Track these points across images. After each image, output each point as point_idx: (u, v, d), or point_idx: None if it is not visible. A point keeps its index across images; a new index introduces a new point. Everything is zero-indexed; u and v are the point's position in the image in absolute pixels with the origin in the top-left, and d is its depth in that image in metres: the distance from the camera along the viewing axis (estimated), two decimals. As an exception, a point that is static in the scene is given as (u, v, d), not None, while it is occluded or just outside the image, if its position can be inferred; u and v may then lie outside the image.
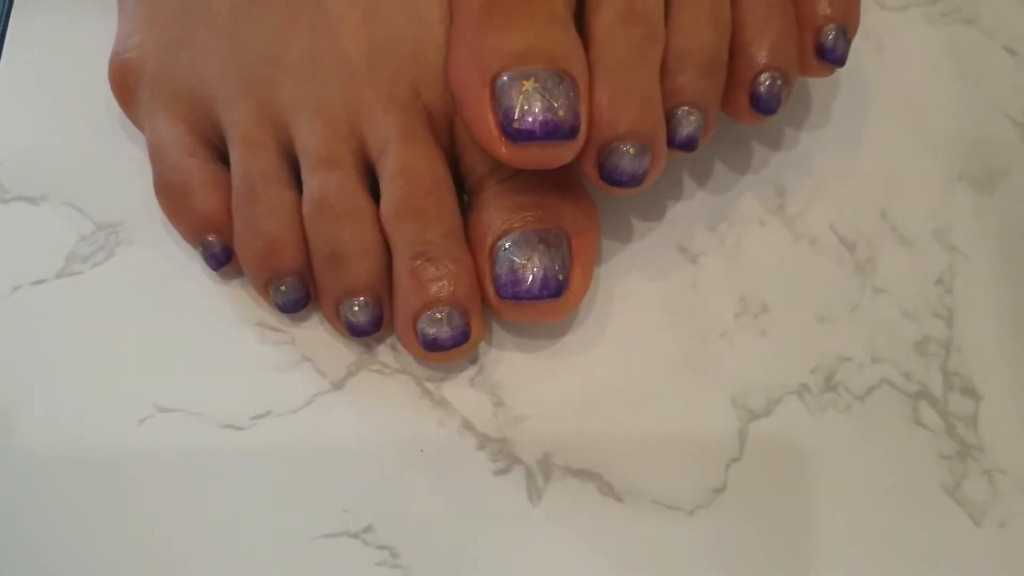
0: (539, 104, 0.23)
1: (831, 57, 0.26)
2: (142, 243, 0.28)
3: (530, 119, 0.23)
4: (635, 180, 0.24)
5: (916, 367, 0.27)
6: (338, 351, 0.27)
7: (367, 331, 0.26)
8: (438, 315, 0.25)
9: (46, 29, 0.32)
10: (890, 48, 0.32)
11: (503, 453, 0.26)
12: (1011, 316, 0.27)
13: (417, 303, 0.25)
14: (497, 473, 0.25)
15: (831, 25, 0.26)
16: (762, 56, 0.26)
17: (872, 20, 0.32)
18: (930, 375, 0.27)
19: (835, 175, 0.29)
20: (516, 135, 0.23)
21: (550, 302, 0.25)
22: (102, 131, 0.30)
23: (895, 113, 0.30)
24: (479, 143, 0.24)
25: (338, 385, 0.26)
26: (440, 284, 0.25)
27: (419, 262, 0.25)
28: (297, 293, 0.26)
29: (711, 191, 0.29)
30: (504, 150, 0.23)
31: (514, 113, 0.23)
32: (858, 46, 0.31)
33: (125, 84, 0.28)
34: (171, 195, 0.27)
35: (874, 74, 0.31)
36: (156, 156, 0.27)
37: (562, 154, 0.23)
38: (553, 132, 0.23)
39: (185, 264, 0.28)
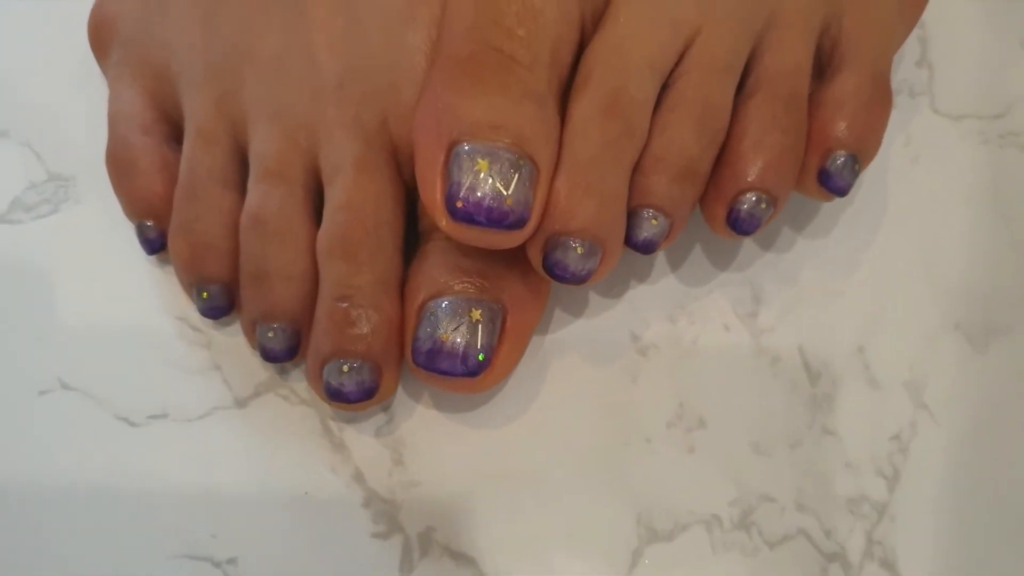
0: (489, 189, 0.21)
1: (832, 186, 0.24)
2: (89, 204, 0.27)
3: (475, 203, 0.21)
4: (576, 278, 0.22)
5: (841, 526, 0.25)
6: (250, 367, 0.26)
7: (280, 358, 0.25)
8: (346, 366, 0.23)
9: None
10: (925, 162, 0.29)
11: (386, 516, 0.25)
12: (961, 497, 0.25)
13: (328, 348, 0.24)
14: (375, 536, 0.24)
15: (842, 151, 0.24)
16: (750, 174, 0.23)
17: (918, 124, 0.29)
18: (853, 538, 0.25)
19: (821, 294, 0.27)
20: (458, 214, 0.21)
21: (464, 380, 0.23)
22: (85, 80, 0.28)
23: (906, 239, 0.28)
24: (424, 205, 0.22)
25: (241, 403, 0.26)
26: (356, 333, 0.24)
27: (341, 305, 0.24)
28: (219, 302, 0.25)
29: (682, 279, 0.27)
30: (445, 223, 0.21)
31: (460, 191, 0.21)
32: (892, 153, 0.29)
33: (100, 39, 0.27)
34: (118, 169, 0.26)
35: (898, 190, 0.28)
36: (113, 124, 0.26)
37: (505, 241, 0.22)
38: (497, 221, 0.21)
39: (125, 238, 0.27)
